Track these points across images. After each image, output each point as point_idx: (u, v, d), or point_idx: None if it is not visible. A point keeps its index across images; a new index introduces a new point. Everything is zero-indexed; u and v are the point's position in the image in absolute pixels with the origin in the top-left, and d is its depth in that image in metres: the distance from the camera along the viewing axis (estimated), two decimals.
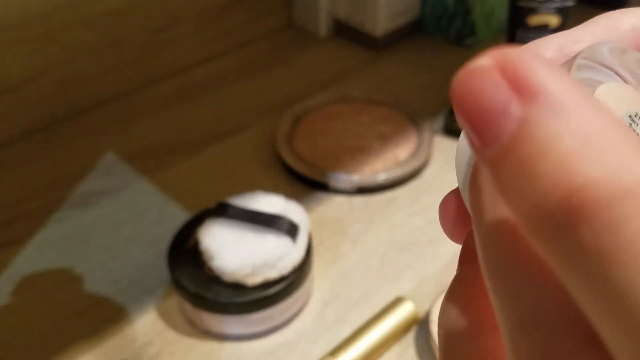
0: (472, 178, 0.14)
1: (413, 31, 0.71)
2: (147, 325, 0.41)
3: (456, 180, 0.16)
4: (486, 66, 0.11)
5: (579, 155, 0.10)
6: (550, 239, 0.10)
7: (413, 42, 0.70)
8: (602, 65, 0.14)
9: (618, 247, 0.09)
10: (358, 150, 0.53)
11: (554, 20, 0.53)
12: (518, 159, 0.10)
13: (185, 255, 0.41)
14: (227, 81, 0.64)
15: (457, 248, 0.16)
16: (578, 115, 0.10)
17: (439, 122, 0.58)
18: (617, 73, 0.14)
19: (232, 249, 0.39)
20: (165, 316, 0.42)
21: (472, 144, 0.11)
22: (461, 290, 0.15)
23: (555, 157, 0.10)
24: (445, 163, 0.54)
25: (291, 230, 0.40)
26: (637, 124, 0.14)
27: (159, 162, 0.54)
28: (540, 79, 0.10)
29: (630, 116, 0.14)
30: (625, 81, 0.15)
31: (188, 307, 0.40)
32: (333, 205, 0.50)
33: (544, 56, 0.15)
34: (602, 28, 0.16)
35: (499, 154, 0.11)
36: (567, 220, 0.09)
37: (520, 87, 0.10)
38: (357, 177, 0.51)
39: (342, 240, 0.47)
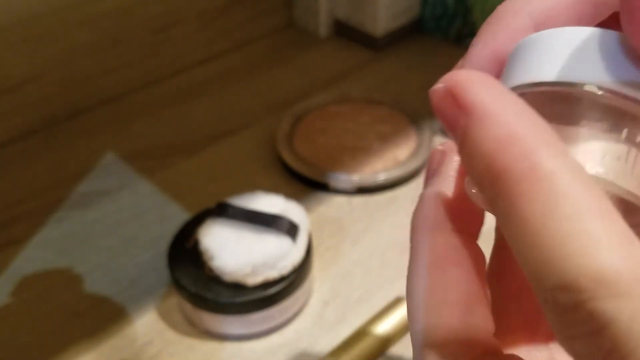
0: None
1: (413, 31, 0.71)
2: (147, 325, 0.41)
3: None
4: (439, 89, 0.15)
5: (495, 154, 0.13)
6: (487, 201, 0.14)
7: (413, 42, 0.70)
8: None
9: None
10: (358, 150, 0.53)
11: None
12: (464, 154, 0.14)
13: (185, 255, 0.41)
14: (227, 81, 0.64)
15: None
16: (494, 123, 0.13)
17: (439, 122, 0.58)
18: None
19: (232, 249, 0.39)
20: (165, 316, 0.42)
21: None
22: None
23: (480, 158, 0.14)
24: None
25: (291, 230, 0.40)
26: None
27: (159, 162, 0.54)
28: (473, 94, 0.14)
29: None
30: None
31: (188, 307, 0.40)
32: (333, 205, 0.50)
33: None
34: None
35: (459, 148, 0.15)
36: (492, 189, 0.14)
37: (461, 104, 0.14)
38: (357, 177, 0.51)
39: (342, 240, 0.47)
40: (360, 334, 0.39)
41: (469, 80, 0.14)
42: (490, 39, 0.18)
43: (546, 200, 0.13)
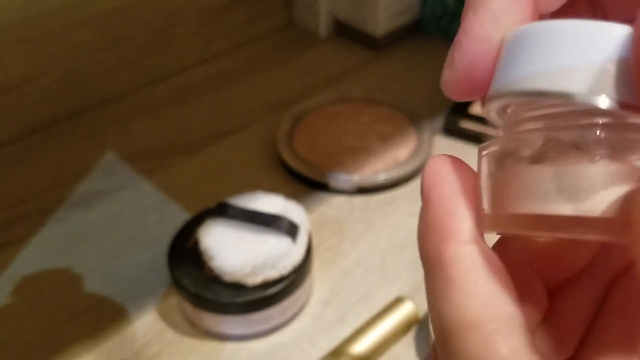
0: None
1: (413, 31, 0.71)
2: (147, 325, 0.41)
3: None
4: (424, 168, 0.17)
5: (423, 237, 0.16)
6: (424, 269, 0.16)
7: (413, 42, 0.70)
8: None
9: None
10: (358, 150, 0.53)
11: None
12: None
13: (185, 255, 0.41)
14: (227, 81, 0.64)
15: None
16: (429, 211, 0.16)
17: (439, 122, 0.58)
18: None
19: (232, 249, 0.39)
20: (165, 316, 0.42)
21: None
22: None
23: (418, 237, 0.16)
24: None
25: (291, 230, 0.40)
26: None
27: (159, 162, 0.54)
28: (427, 181, 0.16)
29: None
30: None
31: (188, 307, 0.40)
32: (333, 205, 0.50)
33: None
34: None
35: None
36: (423, 267, 0.16)
37: (422, 188, 0.16)
38: (357, 177, 0.51)
39: (342, 240, 0.47)
40: (360, 334, 0.39)
41: (429, 168, 0.16)
42: (481, 5, 0.17)
43: (441, 285, 0.15)
